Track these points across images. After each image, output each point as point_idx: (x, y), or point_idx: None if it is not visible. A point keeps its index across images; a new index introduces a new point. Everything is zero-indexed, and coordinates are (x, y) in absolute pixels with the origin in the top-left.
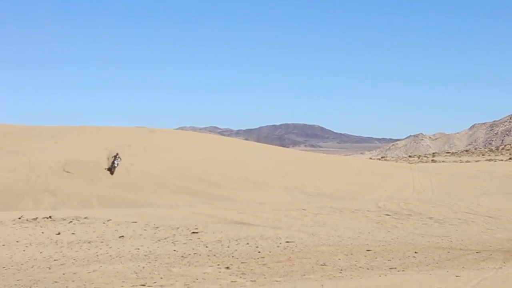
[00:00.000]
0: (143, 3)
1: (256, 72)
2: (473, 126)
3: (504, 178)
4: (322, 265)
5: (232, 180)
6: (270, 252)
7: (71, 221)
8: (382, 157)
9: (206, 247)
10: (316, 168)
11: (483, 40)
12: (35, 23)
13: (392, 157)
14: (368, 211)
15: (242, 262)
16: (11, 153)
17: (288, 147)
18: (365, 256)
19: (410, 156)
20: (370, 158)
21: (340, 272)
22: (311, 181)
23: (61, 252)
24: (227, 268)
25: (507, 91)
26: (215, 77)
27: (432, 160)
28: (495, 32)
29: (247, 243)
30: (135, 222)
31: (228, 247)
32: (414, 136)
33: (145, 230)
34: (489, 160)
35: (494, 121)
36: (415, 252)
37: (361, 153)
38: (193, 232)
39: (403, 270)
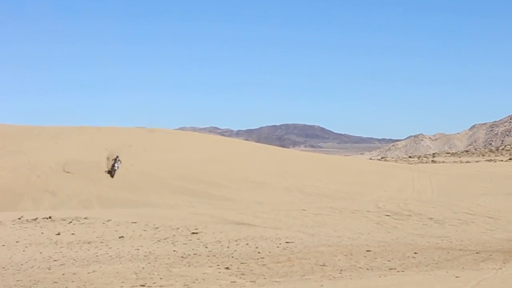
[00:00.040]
0: (143, 3)
1: (256, 72)
2: (473, 126)
3: (504, 178)
4: (321, 265)
5: (232, 180)
6: (269, 252)
7: (71, 222)
8: (382, 158)
9: (206, 247)
10: (316, 169)
11: (483, 40)
12: (35, 23)
13: (392, 158)
14: (368, 211)
15: (241, 263)
16: (11, 153)
17: (288, 147)
18: (364, 256)
19: (410, 157)
20: (370, 159)
21: (340, 273)
22: (311, 182)
23: (60, 252)
24: (227, 268)
25: (507, 91)
26: (215, 77)
27: (432, 161)
28: (495, 32)
29: (247, 244)
30: (135, 222)
31: (228, 247)
32: (414, 136)
33: (145, 230)
34: (489, 160)
35: (494, 121)
36: (415, 253)
37: (361, 153)
38: (193, 233)
39: (402, 271)
